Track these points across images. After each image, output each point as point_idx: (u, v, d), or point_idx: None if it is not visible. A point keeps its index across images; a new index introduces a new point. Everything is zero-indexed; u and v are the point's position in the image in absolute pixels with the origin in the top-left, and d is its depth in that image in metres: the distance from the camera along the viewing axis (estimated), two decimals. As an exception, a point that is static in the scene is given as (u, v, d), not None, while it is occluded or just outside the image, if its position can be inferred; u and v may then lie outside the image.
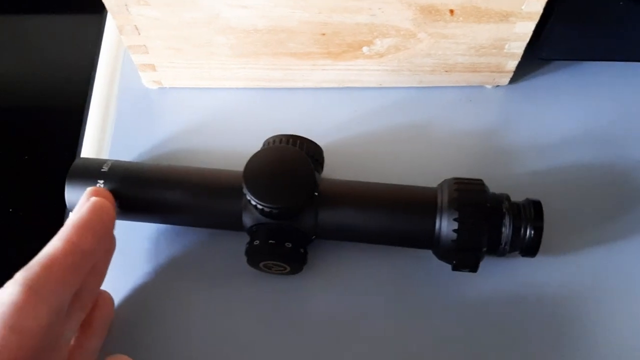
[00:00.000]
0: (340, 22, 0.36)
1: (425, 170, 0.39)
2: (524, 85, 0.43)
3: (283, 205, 0.32)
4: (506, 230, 0.33)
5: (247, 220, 0.34)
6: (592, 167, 0.40)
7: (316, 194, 0.34)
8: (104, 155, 0.41)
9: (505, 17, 0.36)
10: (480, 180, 0.34)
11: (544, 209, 0.34)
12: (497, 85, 0.43)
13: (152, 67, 0.40)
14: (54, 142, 0.44)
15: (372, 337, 0.35)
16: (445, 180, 0.35)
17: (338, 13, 0.35)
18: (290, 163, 0.33)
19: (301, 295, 0.36)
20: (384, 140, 0.41)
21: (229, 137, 0.41)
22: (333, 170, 0.39)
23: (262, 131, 0.37)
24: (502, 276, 0.36)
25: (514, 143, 0.41)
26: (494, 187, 0.35)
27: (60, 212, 0.39)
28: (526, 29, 0.37)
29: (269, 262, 0.34)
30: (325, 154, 0.38)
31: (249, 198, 0.32)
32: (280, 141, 0.36)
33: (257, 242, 0.34)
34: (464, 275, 0.36)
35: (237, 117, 0.42)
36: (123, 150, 0.40)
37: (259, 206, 0.32)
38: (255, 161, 0.33)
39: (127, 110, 0.42)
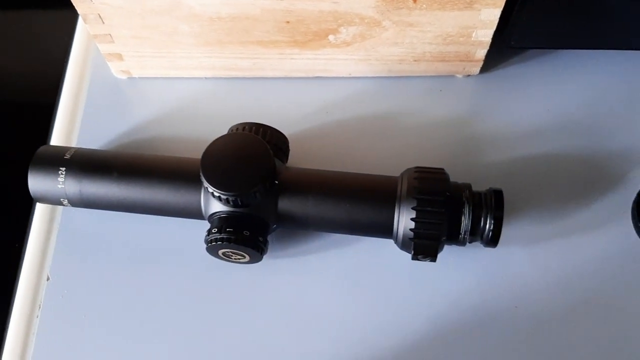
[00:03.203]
0: (304, 10, 0.36)
1: (393, 160, 0.39)
2: (495, 74, 0.42)
3: (238, 192, 0.32)
4: (465, 220, 0.33)
5: (207, 208, 0.34)
6: (562, 156, 0.39)
7: (277, 182, 0.34)
8: (73, 145, 0.41)
9: (469, 3, 0.35)
10: (442, 169, 0.34)
11: (511, 198, 0.33)
12: (469, 75, 0.42)
13: (119, 57, 0.40)
14: (26, 132, 0.44)
15: (332, 326, 0.35)
16: (406, 170, 0.35)
17: (300, 0, 0.35)
18: (248, 150, 0.33)
19: (261, 284, 0.36)
20: (352, 130, 0.41)
21: (197, 126, 0.41)
22: (301, 159, 0.39)
23: (230, 120, 0.37)
24: (463, 266, 0.36)
25: (484, 132, 0.40)
26: (462, 177, 0.35)
27: (28, 202, 0.39)
28: (492, 16, 0.36)
29: (227, 250, 0.34)
30: (294, 144, 0.38)
31: (205, 185, 0.32)
32: (244, 129, 0.36)
33: (215, 230, 0.34)
34: (425, 265, 0.35)
35: (205, 106, 0.42)
36: (91, 140, 0.40)
37: (215, 193, 0.32)
38: (213, 148, 0.33)
39: (96, 100, 0.42)
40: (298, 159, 0.39)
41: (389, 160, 0.39)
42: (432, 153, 0.40)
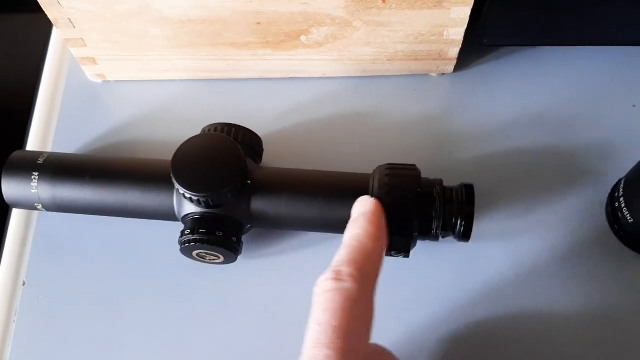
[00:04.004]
0: (274, 11, 0.36)
1: (369, 159, 0.39)
2: (469, 72, 0.42)
3: (209, 193, 0.32)
4: (437, 215, 0.33)
5: (180, 209, 0.34)
6: (536, 152, 0.40)
7: (249, 182, 0.34)
8: (48, 149, 0.41)
9: (438, 2, 0.36)
10: (413, 165, 0.34)
11: (485, 193, 0.34)
12: (443, 74, 0.42)
13: (93, 61, 0.40)
14: (1, 137, 0.44)
15: (306, 324, 0.35)
16: (379, 167, 0.35)
17: (270, 2, 0.35)
18: (219, 151, 0.33)
19: (236, 284, 0.36)
20: (328, 130, 0.41)
21: (172, 128, 0.41)
22: (276, 159, 0.39)
23: (206, 122, 0.37)
24: (437, 261, 0.36)
25: (458, 130, 0.41)
26: (438, 174, 0.35)
27: (4, 207, 0.39)
28: (462, 14, 0.37)
29: (201, 251, 0.34)
30: (269, 144, 0.38)
31: (177, 187, 0.32)
32: (216, 130, 0.36)
33: (188, 232, 0.34)
34: (399, 261, 0.35)
35: (181, 108, 0.42)
36: (67, 144, 0.40)
37: (186, 195, 0.32)
38: (184, 150, 0.33)
39: (72, 105, 0.42)
40: (273, 159, 0.39)
41: (364, 160, 0.39)
42: (407, 151, 0.40)
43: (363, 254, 0.28)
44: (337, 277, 0.26)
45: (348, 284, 0.26)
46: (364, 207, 0.31)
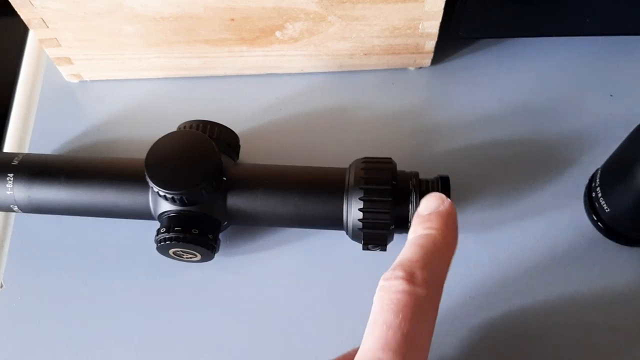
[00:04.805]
0: (247, 7, 0.36)
1: (347, 154, 0.38)
2: (447, 65, 0.42)
3: (183, 191, 0.32)
4: (412, 208, 0.33)
5: (156, 208, 0.34)
6: (514, 143, 0.40)
7: (225, 179, 0.34)
8: (26, 150, 0.41)
9: (412, -5, 0.36)
10: (389, 158, 0.34)
11: (464, 185, 0.34)
12: (420, 67, 0.42)
13: (68, 60, 0.40)
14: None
15: (286, 322, 0.35)
16: (355, 160, 0.35)
17: (243, -3, 0.35)
18: (193, 148, 0.33)
19: (214, 282, 0.36)
20: (306, 126, 0.41)
21: (150, 127, 0.40)
22: (255, 156, 0.39)
23: (183, 120, 0.37)
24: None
25: (437, 123, 0.41)
26: (416, 167, 0.35)
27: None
28: (436, 6, 0.36)
29: (177, 249, 0.34)
30: (247, 140, 0.38)
31: (151, 185, 0.32)
32: (191, 127, 0.36)
33: (163, 230, 0.33)
34: (378, 254, 0.35)
35: (158, 107, 0.42)
36: (44, 144, 0.40)
37: (161, 192, 0.32)
38: (157, 148, 0.33)
39: (49, 105, 0.42)
40: (252, 155, 0.39)
41: (343, 155, 0.39)
42: (386, 145, 0.40)
43: (438, 259, 0.26)
44: (411, 280, 0.25)
45: (421, 290, 0.25)
46: (437, 205, 0.28)
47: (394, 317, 0.24)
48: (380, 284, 0.26)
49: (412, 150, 0.40)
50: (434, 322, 0.26)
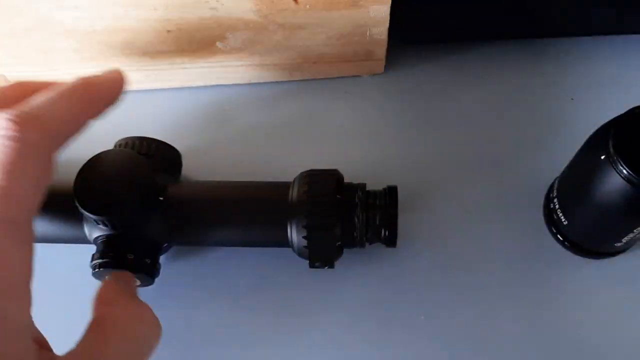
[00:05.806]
0: (182, 18, 0.34)
1: (297, 167, 0.37)
2: (401, 72, 0.41)
3: (113, 214, 0.30)
4: (358, 222, 0.31)
5: (91, 232, 0.32)
6: (470, 150, 0.38)
7: (161, 198, 0.32)
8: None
9: (354, 2, 0.34)
10: (335, 170, 0.32)
11: (418, 195, 0.32)
12: (374, 74, 0.41)
13: (3, 78, 0.38)
14: None
15: (233, 343, 0.34)
16: (300, 173, 0.33)
17: (176, 9, 0.34)
18: (124, 168, 0.31)
19: (158, 307, 0.35)
20: (255, 138, 0.39)
21: (89, 146, 0.39)
22: (200, 172, 0.37)
23: (124, 137, 0.35)
24: (364, 269, 0.35)
25: (390, 131, 0.39)
26: (368, 177, 0.33)
27: None
28: (381, 12, 0.35)
29: (113, 275, 0.32)
30: (191, 156, 0.36)
31: (79, 209, 0.31)
32: (126, 144, 0.34)
33: (97, 255, 0.32)
34: (325, 271, 0.34)
35: (97, 124, 0.40)
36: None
37: (90, 217, 0.31)
38: (87, 168, 0.31)
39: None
40: (196, 171, 0.37)
41: (292, 168, 0.37)
42: (337, 156, 0.38)
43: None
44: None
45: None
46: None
47: None
48: None
49: (363, 159, 0.38)
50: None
